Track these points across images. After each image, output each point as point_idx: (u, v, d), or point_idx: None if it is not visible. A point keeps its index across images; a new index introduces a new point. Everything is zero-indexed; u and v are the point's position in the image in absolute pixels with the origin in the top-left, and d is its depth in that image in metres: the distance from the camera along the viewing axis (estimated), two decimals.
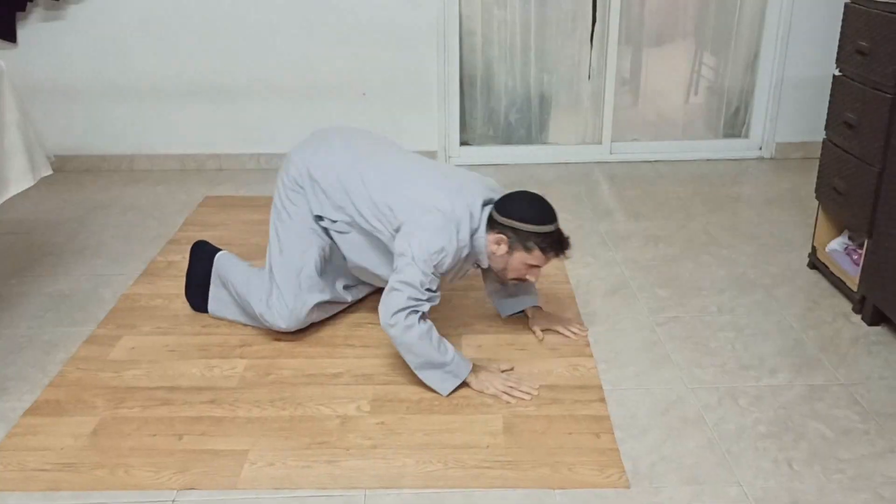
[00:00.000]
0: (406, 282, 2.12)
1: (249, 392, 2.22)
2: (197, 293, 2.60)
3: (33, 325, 2.61)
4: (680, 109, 4.48)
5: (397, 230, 2.24)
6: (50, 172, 2.61)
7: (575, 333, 2.50)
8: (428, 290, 2.15)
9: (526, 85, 4.31)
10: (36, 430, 2.06)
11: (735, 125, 4.45)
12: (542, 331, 2.51)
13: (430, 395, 2.20)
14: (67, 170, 4.21)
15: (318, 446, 1.99)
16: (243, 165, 4.24)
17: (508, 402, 2.17)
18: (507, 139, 4.38)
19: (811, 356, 2.39)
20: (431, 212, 2.19)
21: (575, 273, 2.95)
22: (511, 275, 2.27)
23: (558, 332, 2.51)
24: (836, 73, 2.73)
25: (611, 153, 4.31)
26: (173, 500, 1.81)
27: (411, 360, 2.18)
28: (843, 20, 2.67)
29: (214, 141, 4.21)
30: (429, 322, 2.16)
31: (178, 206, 3.70)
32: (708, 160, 4.32)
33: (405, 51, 4.05)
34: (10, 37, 3.96)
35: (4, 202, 2.44)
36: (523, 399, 2.17)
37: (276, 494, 1.83)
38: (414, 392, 2.21)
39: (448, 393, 2.18)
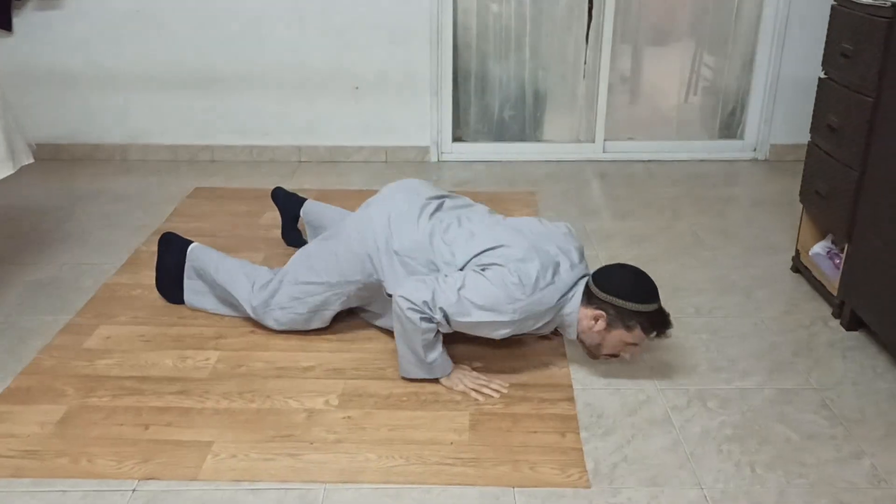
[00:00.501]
0: (439, 290, 2.09)
1: (220, 384, 2.23)
2: (170, 285, 2.61)
3: (11, 312, 2.62)
4: (676, 109, 4.46)
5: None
6: (31, 161, 2.63)
7: (552, 333, 2.49)
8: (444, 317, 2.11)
9: (520, 81, 4.30)
10: (4, 418, 2.07)
11: (731, 126, 4.43)
12: None
13: (399, 390, 2.20)
14: (61, 158, 4.23)
15: (282, 439, 2.00)
16: (235, 157, 4.25)
17: (477, 400, 2.16)
18: (501, 136, 4.37)
19: (785, 360, 2.37)
20: (517, 268, 2.10)
21: None
22: (606, 351, 2.20)
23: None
24: (822, 75, 2.71)
25: (604, 151, 4.30)
26: (133, 490, 1.82)
27: (398, 333, 2.16)
28: (829, 22, 2.65)
29: (207, 132, 4.22)
30: (433, 325, 2.11)
31: (167, 196, 3.71)
32: (702, 161, 4.30)
33: (398, 44, 4.05)
34: (6, 25, 3.97)
35: None
36: (492, 396, 2.17)
37: (235, 486, 1.84)
38: (384, 387, 2.22)
39: (409, 378, 2.20)
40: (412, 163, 4.22)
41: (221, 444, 1.98)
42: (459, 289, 2.08)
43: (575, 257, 2.23)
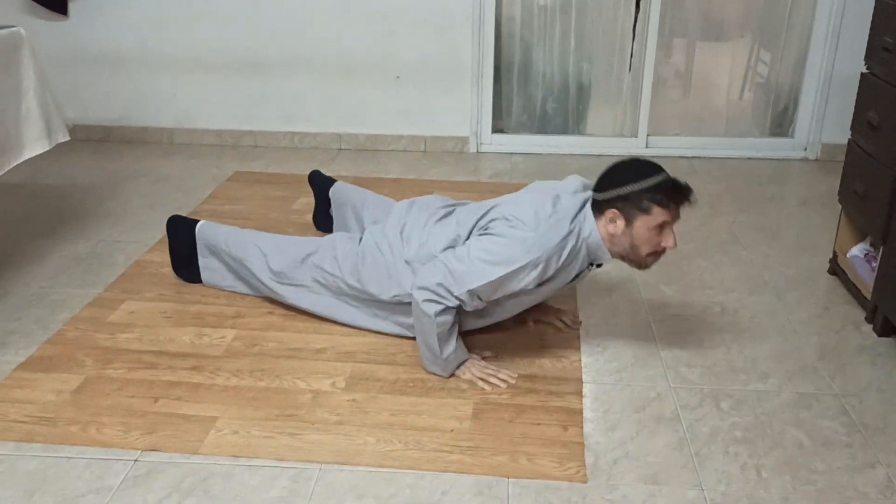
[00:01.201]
0: (450, 266, 2.08)
1: (232, 361, 2.26)
2: (185, 266, 2.66)
3: (45, 284, 2.71)
4: (726, 105, 4.35)
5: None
6: (67, 138, 2.71)
7: (567, 325, 2.46)
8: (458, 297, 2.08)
9: (564, 73, 4.25)
10: (24, 384, 2.14)
11: (783, 124, 4.30)
12: (534, 321, 2.48)
13: (406, 376, 2.20)
14: (111, 140, 4.35)
15: (285, 418, 2.01)
16: (278, 143, 4.30)
17: (483, 389, 2.15)
18: (543, 128, 4.33)
19: (808, 363, 2.29)
20: (510, 225, 2.07)
21: None
22: (645, 249, 2.06)
23: (551, 324, 2.47)
24: (864, 70, 2.61)
25: (647, 147, 4.22)
26: (135, 460, 1.86)
27: (416, 330, 2.16)
28: (873, 14, 2.54)
29: (251, 117, 4.28)
30: (448, 317, 2.10)
31: (207, 179, 3.78)
32: (749, 159, 4.18)
33: (441, 33, 4.04)
34: (62, 9, 4.10)
35: (47, 168, 2.52)
36: (499, 387, 2.15)
37: (233, 462, 1.86)
38: (391, 372, 2.22)
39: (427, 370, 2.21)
40: (451, 153, 4.21)
41: (225, 419, 2.00)
42: (468, 255, 2.07)
43: (576, 186, 2.17)
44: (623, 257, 2.13)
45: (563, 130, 4.32)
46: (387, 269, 2.27)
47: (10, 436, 1.94)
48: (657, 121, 4.24)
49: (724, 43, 4.29)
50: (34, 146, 2.56)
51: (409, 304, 2.24)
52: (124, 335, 2.39)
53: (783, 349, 2.37)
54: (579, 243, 2.08)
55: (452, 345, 2.15)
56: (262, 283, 2.49)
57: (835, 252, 2.83)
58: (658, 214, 2.02)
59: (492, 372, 2.19)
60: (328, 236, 2.48)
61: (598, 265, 2.20)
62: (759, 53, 4.28)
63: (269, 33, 4.11)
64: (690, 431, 1.99)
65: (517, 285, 2.07)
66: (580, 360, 2.29)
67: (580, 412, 2.06)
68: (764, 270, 2.87)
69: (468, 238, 2.18)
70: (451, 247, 2.19)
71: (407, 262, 2.25)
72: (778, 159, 4.17)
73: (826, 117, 4.09)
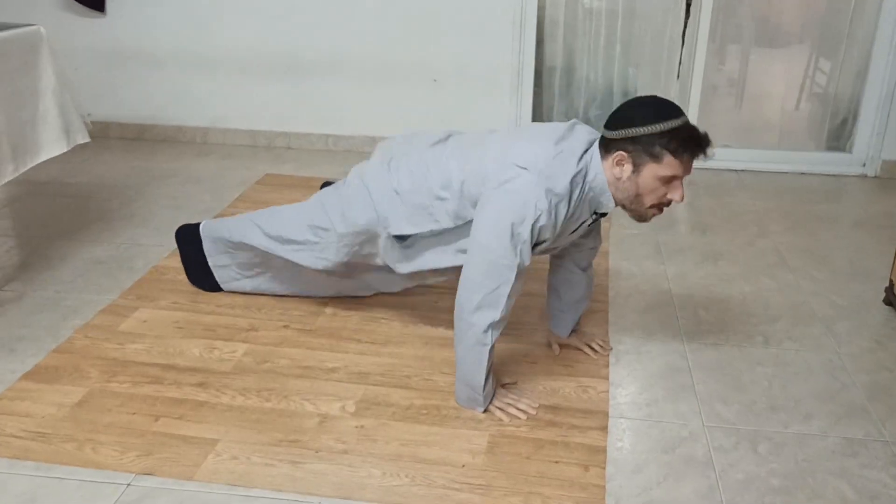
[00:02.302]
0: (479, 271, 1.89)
1: (240, 378, 2.17)
2: (199, 273, 2.58)
3: (60, 288, 2.65)
4: (780, 116, 4.14)
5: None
6: (87, 140, 2.64)
7: (595, 351, 2.31)
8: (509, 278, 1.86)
9: (609, 79, 4.08)
10: (25, 396, 2.07)
11: (840, 138, 4.07)
12: (561, 346, 2.34)
13: (420, 402, 2.08)
14: (145, 138, 4.31)
15: (288, 444, 1.91)
16: (311, 145, 4.22)
17: (501, 420, 2.01)
18: None
19: (857, 404, 2.11)
20: (508, 177, 1.87)
21: (616, 284, 2.74)
22: (649, 200, 1.87)
23: (579, 349, 2.33)
24: None
25: None
26: (128, 484, 1.77)
27: (460, 365, 2.00)
28: None
29: (285, 118, 4.20)
30: (499, 332, 1.94)
31: (237, 181, 3.71)
32: (803, 174, 3.97)
33: (480, 34, 3.91)
34: (99, 6, 4.07)
35: (78, 166, 2.47)
36: (518, 418, 2.02)
37: (229, 491, 1.76)
38: (405, 397, 2.10)
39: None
40: None
41: (226, 443, 1.90)
42: (483, 242, 1.88)
43: (581, 127, 1.97)
44: (625, 206, 1.94)
45: None
46: (373, 203, 2.12)
47: (4, 452, 1.86)
48: (707, 130, 4.04)
49: (779, 50, 4.09)
50: (52, 147, 2.50)
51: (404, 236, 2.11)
52: (133, 346, 2.32)
53: (830, 387, 2.19)
54: (584, 186, 1.89)
55: (491, 376, 2.01)
56: (266, 253, 2.37)
57: (891, 280, 2.63)
58: (669, 164, 1.82)
59: (511, 401, 2.05)
60: (314, 195, 2.36)
61: (602, 214, 2.01)
62: (817, 62, 4.06)
63: (307, 34, 4.02)
64: (723, 478, 1.83)
65: (543, 230, 1.86)
66: (608, 391, 2.14)
67: (604, 450, 1.91)
68: (812, 298, 2.68)
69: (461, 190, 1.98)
70: (446, 185, 2.00)
71: (396, 193, 2.09)
72: (833, 175, 3.95)
73: (888, 132, 3.85)
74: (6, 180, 2.32)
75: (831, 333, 2.46)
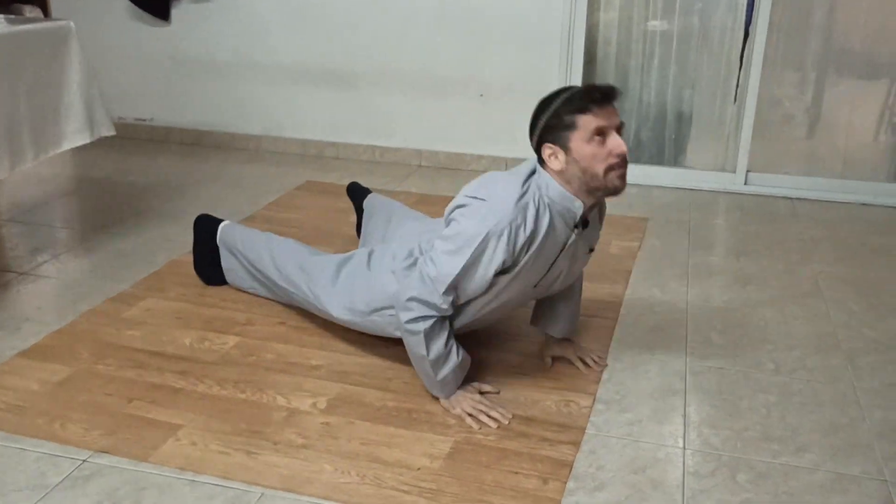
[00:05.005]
0: (421, 272, 1.93)
1: (222, 369, 2.17)
2: (205, 266, 2.64)
3: (79, 277, 2.74)
4: (844, 144, 3.91)
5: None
6: (112, 133, 2.74)
7: (587, 366, 2.22)
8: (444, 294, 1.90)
9: (662, 101, 3.97)
10: (15, 371, 2.14)
11: None
12: (554, 358, 2.25)
13: (393, 404, 2.03)
14: (202, 144, 4.45)
15: (249, 435, 1.89)
16: (359, 156, 4.25)
17: (471, 427, 1.95)
18: (637, 158, 4.05)
19: (861, 441, 1.94)
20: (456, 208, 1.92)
21: (631, 300, 2.63)
22: (598, 166, 1.81)
23: (571, 362, 2.24)
24: None
25: (745, 183, 3.85)
26: (84, 460, 1.79)
27: (408, 350, 2.01)
28: None
29: (336, 129, 4.26)
30: (440, 332, 1.94)
31: (278, 187, 3.77)
32: (864, 205, 3.73)
33: (528, 51, 3.88)
34: (164, 15, 4.24)
35: (135, 168, 2.55)
36: (487, 426, 1.94)
37: (177, 475, 1.75)
38: (380, 397, 2.06)
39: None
40: None
41: (189, 429, 1.91)
42: (435, 257, 1.90)
43: (529, 162, 1.96)
44: (589, 191, 1.87)
45: (658, 161, 4.03)
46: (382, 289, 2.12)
47: None
48: (765, 157, 3.88)
49: (844, 77, 3.88)
50: (74, 137, 2.60)
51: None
52: (130, 332, 2.36)
53: (835, 421, 2.02)
54: (539, 202, 1.87)
55: (449, 366, 1.96)
56: (276, 284, 2.41)
57: None
58: (585, 123, 1.79)
59: (484, 409, 1.98)
60: (332, 256, 2.36)
61: (586, 224, 1.97)
62: (885, 88, 3.83)
63: (362, 47, 4.07)
64: (689, 503, 1.71)
65: (493, 266, 1.85)
66: (590, 407, 2.04)
67: (569, 465, 1.82)
68: (841, 329, 2.50)
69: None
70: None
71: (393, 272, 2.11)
72: None
73: None
74: (26, 165, 2.42)
75: (852, 366, 2.28)
